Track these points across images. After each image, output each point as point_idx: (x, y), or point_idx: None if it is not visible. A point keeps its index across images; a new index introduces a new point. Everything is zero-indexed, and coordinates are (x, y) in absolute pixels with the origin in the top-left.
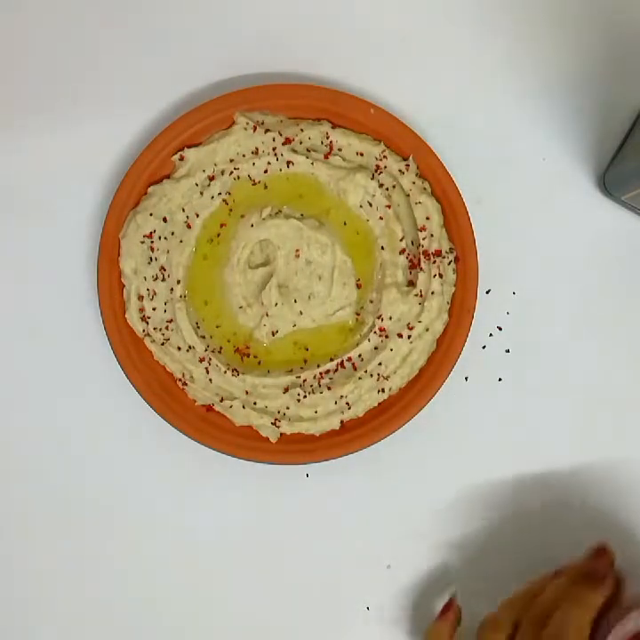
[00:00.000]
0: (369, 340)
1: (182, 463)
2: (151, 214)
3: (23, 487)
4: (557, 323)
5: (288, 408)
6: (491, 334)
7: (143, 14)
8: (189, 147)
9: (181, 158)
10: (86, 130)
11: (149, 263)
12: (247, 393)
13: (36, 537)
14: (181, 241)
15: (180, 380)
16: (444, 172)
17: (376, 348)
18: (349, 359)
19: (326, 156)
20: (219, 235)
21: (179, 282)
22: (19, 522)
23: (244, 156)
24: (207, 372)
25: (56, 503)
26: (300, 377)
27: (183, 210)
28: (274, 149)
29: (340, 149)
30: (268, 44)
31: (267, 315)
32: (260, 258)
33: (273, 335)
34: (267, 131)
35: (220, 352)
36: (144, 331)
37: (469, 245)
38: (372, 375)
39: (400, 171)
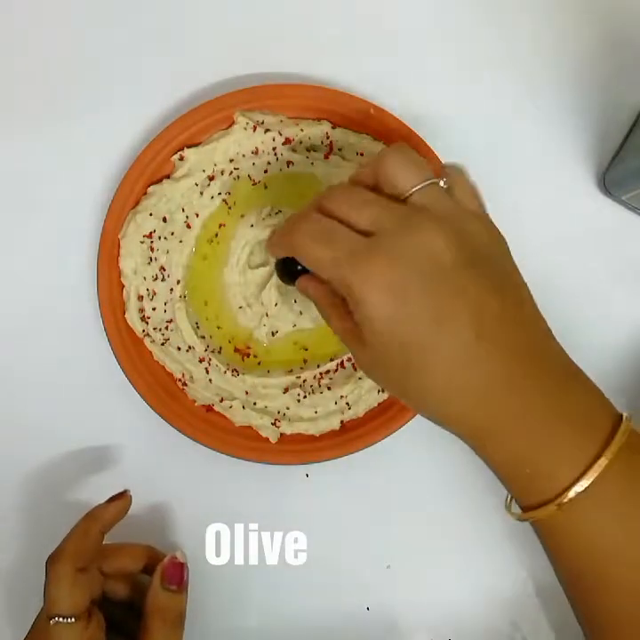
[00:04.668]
0: None
1: (182, 463)
2: (151, 214)
3: (23, 488)
4: (558, 323)
5: (288, 408)
6: None
7: (143, 14)
8: (189, 147)
9: (181, 158)
10: (86, 130)
11: (149, 263)
12: (247, 393)
13: (41, 541)
14: (181, 241)
15: (179, 380)
16: None
17: None
18: (349, 359)
19: (326, 156)
20: (217, 235)
21: (178, 282)
22: (27, 534)
23: (243, 155)
24: (207, 373)
25: (55, 503)
26: (300, 377)
27: (183, 210)
28: (274, 149)
29: (340, 149)
30: (268, 44)
31: (266, 315)
32: (259, 258)
33: (273, 335)
34: (267, 131)
35: (219, 352)
36: (144, 331)
37: None
38: None
39: None
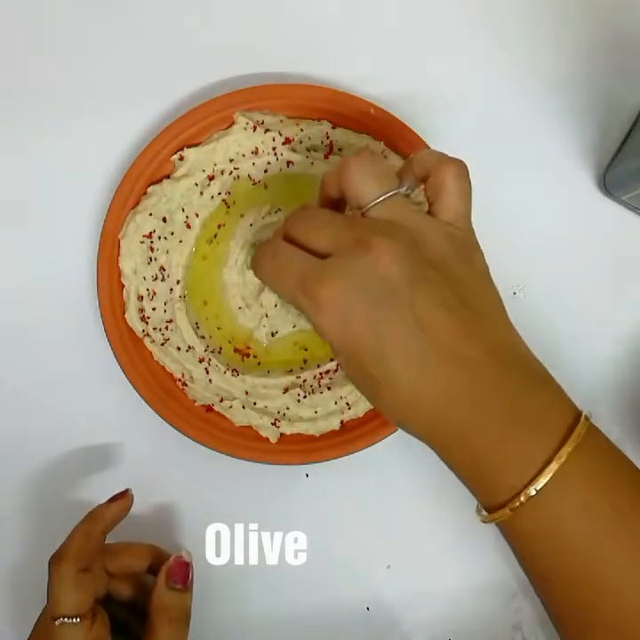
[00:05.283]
0: None
1: (182, 463)
2: (151, 214)
3: (24, 488)
4: (558, 323)
5: (288, 408)
6: None
7: (143, 14)
8: (189, 146)
9: (181, 158)
10: (86, 130)
11: (149, 263)
12: (247, 393)
13: (42, 541)
14: (181, 241)
15: (179, 380)
16: None
17: None
18: None
19: (326, 156)
20: (216, 236)
21: (178, 282)
22: (28, 534)
23: (243, 155)
24: (207, 373)
25: (55, 503)
26: (299, 377)
27: (183, 210)
28: (274, 149)
29: (340, 149)
30: (268, 43)
31: (266, 316)
32: None
33: (272, 336)
34: (267, 130)
35: (219, 352)
36: (144, 331)
37: None
38: None
39: None
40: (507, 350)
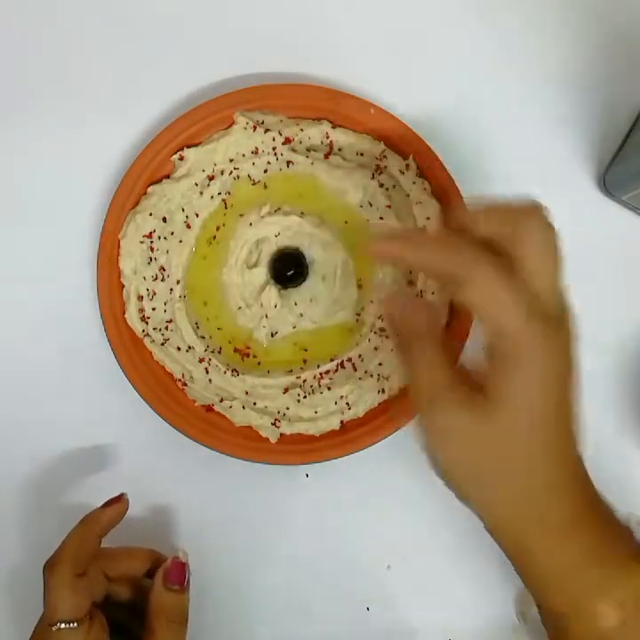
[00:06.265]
0: (369, 341)
1: (182, 463)
2: (151, 214)
3: (23, 489)
4: None
5: (288, 408)
6: None
7: (143, 14)
8: (189, 146)
9: (181, 158)
10: (86, 130)
11: (149, 263)
12: (247, 393)
13: (40, 542)
14: (181, 241)
15: (179, 380)
16: (444, 172)
17: (376, 349)
18: (349, 359)
19: (326, 156)
20: (215, 236)
21: (178, 282)
22: (26, 535)
23: (243, 155)
24: (207, 373)
25: (54, 503)
26: (300, 377)
27: (183, 210)
28: (274, 149)
29: (340, 149)
30: (268, 43)
31: (266, 316)
32: (254, 256)
33: (272, 336)
34: (267, 130)
35: (219, 352)
36: (144, 331)
37: None
38: (372, 375)
39: (400, 171)
40: (582, 469)
